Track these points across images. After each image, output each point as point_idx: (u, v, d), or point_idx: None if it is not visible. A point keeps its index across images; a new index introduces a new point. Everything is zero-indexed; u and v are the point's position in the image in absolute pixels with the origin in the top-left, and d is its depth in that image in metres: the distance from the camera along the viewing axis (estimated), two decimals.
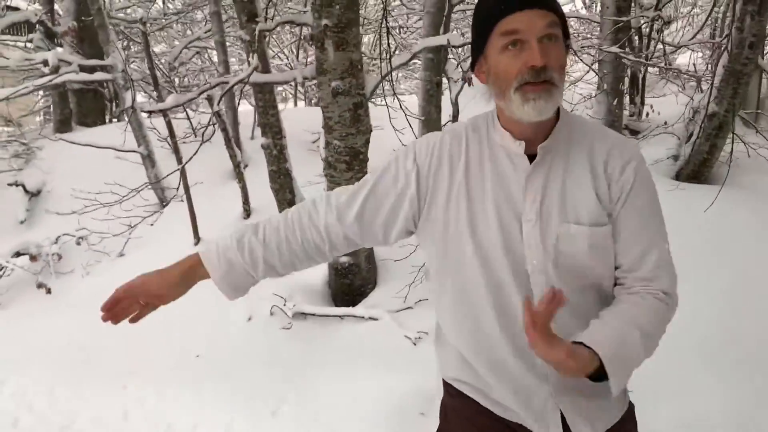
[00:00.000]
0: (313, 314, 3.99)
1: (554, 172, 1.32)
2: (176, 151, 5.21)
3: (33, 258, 5.32)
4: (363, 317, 3.90)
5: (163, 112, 4.77)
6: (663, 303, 1.30)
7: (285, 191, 4.90)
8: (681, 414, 2.85)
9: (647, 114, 7.17)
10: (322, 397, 3.32)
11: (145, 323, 4.17)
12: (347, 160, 3.94)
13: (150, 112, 4.46)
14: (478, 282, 1.34)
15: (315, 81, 4.00)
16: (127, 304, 1.42)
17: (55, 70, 5.67)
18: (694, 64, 7.87)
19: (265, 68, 4.46)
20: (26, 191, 6.51)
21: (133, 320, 1.45)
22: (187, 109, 4.45)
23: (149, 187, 5.24)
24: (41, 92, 10.17)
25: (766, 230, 4.23)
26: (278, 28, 5.64)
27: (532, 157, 1.32)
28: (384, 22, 3.82)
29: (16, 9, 11.49)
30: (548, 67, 1.23)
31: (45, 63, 5.32)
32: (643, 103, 7.43)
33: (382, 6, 4.05)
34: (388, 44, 3.83)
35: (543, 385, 1.36)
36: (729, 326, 3.39)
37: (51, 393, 3.57)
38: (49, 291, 4.99)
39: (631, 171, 1.32)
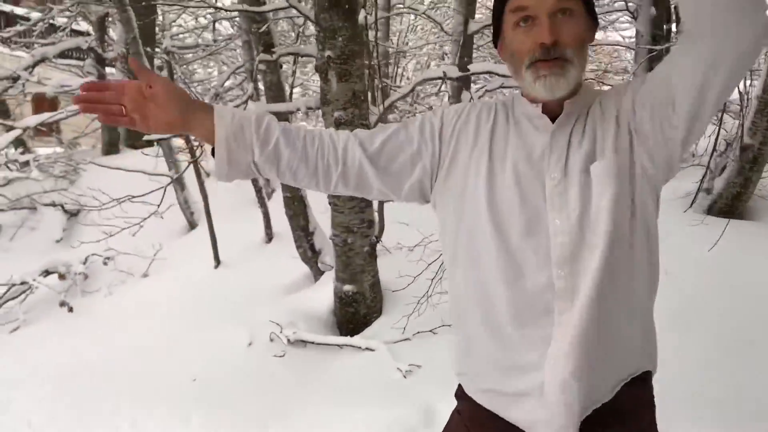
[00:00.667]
0: (313, 342, 3.99)
1: (576, 130, 1.28)
2: (198, 175, 5.33)
3: (61, 276, 5.51)
4: (360, 347, 3.87)
5: (186, 139, 4.90)
6: None
7: (299, 218, 4.94)
8: None
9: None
10: (308, 425, 3.31)
11: (150, 344, 4.24)
12: None
13: (149, 141, 4.56)
14: (490, 248, 1.28)
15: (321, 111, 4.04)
16: (111, 99, 1.25)
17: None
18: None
19: (280, 97, 4.53)
20: (65, 211, 6.76)
21: (103, 119, 1.28)
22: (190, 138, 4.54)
23: (155, 213, 5.33)
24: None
25: None
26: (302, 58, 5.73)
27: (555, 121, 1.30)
28: (376, 56, 3.83)
29: (80, 33, 12.07)
30: (560, 43, 1.21)
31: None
32: None
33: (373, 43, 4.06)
34: (380, 80, 3.83)
35: (541, 361, 1.27)
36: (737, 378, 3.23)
37: (51, 412, 3.66)
38: (71, 309, 5.15)
39: (626, 83, 1.32)
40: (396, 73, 10.38)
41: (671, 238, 4.56)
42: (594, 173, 1.23)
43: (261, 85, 4.98)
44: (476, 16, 6.80)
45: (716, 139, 5.53)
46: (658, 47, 6.01)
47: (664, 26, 6.43)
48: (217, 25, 10.12)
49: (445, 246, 1.40)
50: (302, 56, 3.79)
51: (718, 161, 5.58)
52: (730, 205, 5.36)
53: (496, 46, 1.38)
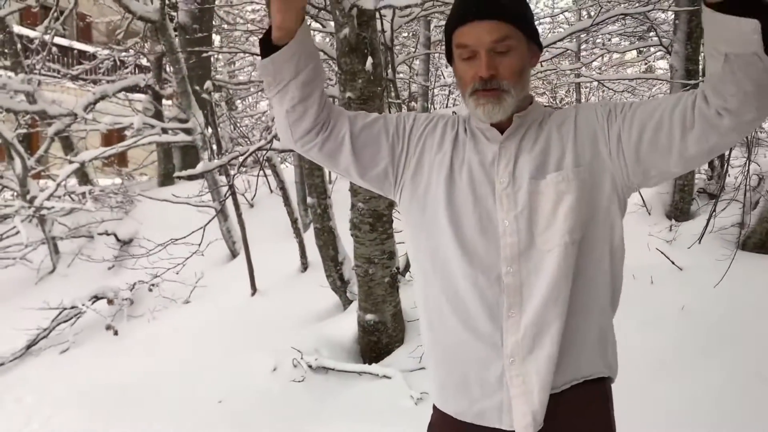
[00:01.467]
0: (334, 369, 4.16)
1: (526, 140, 1.42)
2: (236, 207, 5.62)
3: (110, 302, 5.86)
4: (378, 375, 4.02)
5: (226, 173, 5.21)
6: None
7: (328, 248, 5.14)
8: None
9: (724, 178, 6.88)
10: None
11: (182, 368, 4.49)
12: (371, 222, 4.15)
13: (180, 177, 4.86)
14: (449, 244, 1.41)
15: None
16: None
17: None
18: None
19: None
20: (117, 239, 7.17)
21: None
22: (229, 172, 4.82)
23: (197, 252, 5.64)
24: (155, 147, 11.13)
25: None
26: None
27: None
28: (395, 95, 4.02)
29: (147, 68, 12.69)
30: (497, 76, 1.35)
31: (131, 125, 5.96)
32: (722, 166, 7.13)
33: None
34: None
35: (500, 353, 1.39)
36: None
37: (87, 429, 3.93)
38: (116, 333, 5.47)
39: (602, 104, 1.44)
40: (429, 108, 10.64)
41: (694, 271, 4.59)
42: (550, 182, 1.36)
43: None
44: None
45: (747, 172, 5.49)
46: (692, 82, 6.05)
47: (699, 61, 6.45)
48: None
49: (408, 244, 1.55)
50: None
51: (751, 196, 5.54)
52: (765, 240, 5.31)
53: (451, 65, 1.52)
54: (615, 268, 1.44)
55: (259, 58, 1.43)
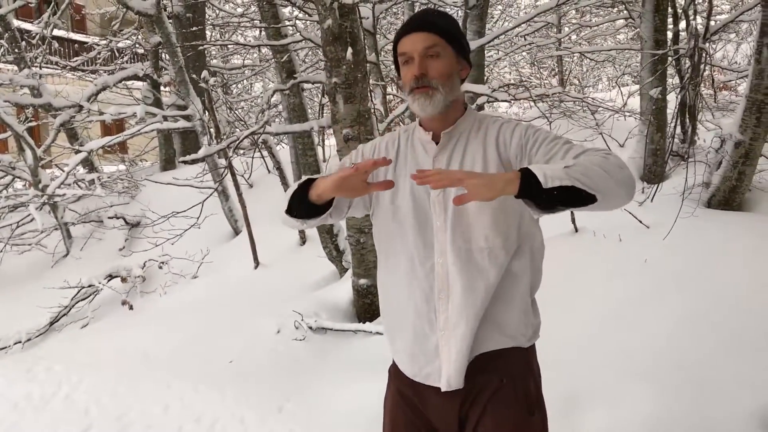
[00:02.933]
0: (331, 329, 4.61)
1: (456, 152, 1.72)
2: (236, 187, 6.04)
3: (123, 280, 6.30)
4: (371, 332, 4.47)
5: (225, 155, 5.61)
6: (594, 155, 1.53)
7: None
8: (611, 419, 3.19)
9: (695, 141, 7.27)
10: (323, 398, 3.92)
11: (195, 334, 4.94)
12: None
13: (185, 162, 5.27)
14: (396, 243, 1.76)
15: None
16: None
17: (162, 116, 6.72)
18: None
19: (302, 117, 5.18)
20: (126, 222, 7.60)
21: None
22: (228, 154, 5.21)
23: (194, 224, 6.07)
24: (155, 133, 11.51)
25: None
26: None
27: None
28: (378, 77, 4.43)
29: (144, 56, 12.99)
30: (427, 75, 1.67)
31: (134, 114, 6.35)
32: (694, 130, 7.52)
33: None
34: (384, 98, 4.44)
35: (434, 327, 1.73)
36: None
37: (114, 390, 4.38)
38: (131, 308, 5.92)
39: (520, 128, 1.71)
40: None
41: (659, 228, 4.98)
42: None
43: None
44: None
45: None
46: (660, 51, 6.43)
47: (667, 31, 6.80)
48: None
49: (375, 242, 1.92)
50: (313, 83, 4.41)
51: (715, 157, 5.93)
52: (728, 198, 5.72)
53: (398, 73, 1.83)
54: (535, 265, 1.77)
55: (287, 203, 1.76)
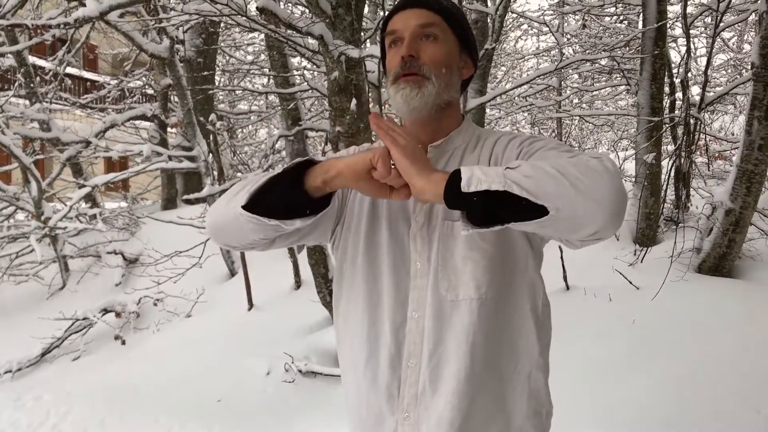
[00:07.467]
0: (321, 373, 4.65)
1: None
2: None
3: (117, 315, 6.35)
4: None
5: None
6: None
7: (320, 266, 5.65)
8: None
9: (687, 207, 7.42)
10: None
11: (185, 372, 5.00)
12: None
13: (188, 200, 5.37)
14: (361, 286, 1.34)
15: None
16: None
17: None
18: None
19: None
20: (124, 258, 7.68)
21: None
22: None
23: (196, 264, 6.16)
24: (158, 173, 11.70)
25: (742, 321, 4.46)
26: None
27: None
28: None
29: (153, 96, 13.26)
30: (418, 59, 1.28)
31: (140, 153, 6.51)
32: (688, 196, 7.67)
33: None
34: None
35: (394, 406, 1.30)
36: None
37: (102, 421, 4.39)
38: (123, 342, 5.95)
39: (518, 139, 1.32)
40: None
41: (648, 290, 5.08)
42: (462, 230, 1.14)
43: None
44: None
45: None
46: (657, 118, 6.62)
47: (663, 99, 7.02)
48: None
49: (334, 284, 1.46)
50: (317, 131, 4.57)
51: (706, 223, 6.06)
52: (718, 264, 5.82)
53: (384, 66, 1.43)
54: (541, 328, 1.35)
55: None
